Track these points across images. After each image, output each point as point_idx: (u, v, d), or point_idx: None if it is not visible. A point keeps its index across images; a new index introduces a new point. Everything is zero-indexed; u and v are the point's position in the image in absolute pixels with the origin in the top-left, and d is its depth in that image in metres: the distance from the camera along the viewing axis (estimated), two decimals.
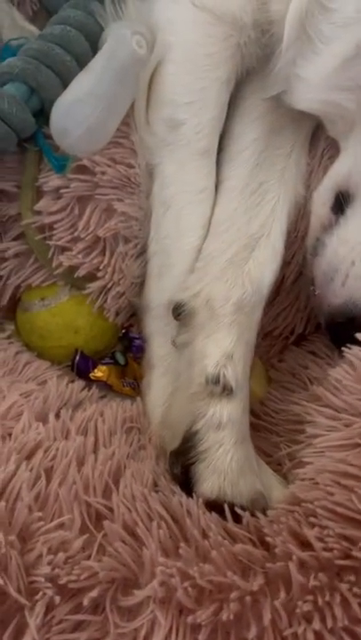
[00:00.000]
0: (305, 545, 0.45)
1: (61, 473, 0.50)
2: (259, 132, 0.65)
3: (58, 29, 0.64)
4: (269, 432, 0.60)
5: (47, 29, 0.66)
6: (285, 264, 0.65)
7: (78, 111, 0.60)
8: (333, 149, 0.65)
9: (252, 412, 0.61)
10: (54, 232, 0.63)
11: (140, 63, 0.63)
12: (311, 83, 0.58)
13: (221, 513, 0.50)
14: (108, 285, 0.64)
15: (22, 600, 0.44)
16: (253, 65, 0.64)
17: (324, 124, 0.63)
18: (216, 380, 0.54)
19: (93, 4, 0.68)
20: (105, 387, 0.66)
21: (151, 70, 0.64)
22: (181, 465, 0.54)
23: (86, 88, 0.62)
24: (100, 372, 0.66)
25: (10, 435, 0.54)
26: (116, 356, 0.68)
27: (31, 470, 0.49)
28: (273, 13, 0.59)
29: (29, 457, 0.51)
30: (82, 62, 0.64)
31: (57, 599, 0.43)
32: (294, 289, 0.68)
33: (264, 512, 0.51)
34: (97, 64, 0.63)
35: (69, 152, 0.62)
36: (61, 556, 0.44)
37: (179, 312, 0.60)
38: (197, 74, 0.62)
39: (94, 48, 0.65)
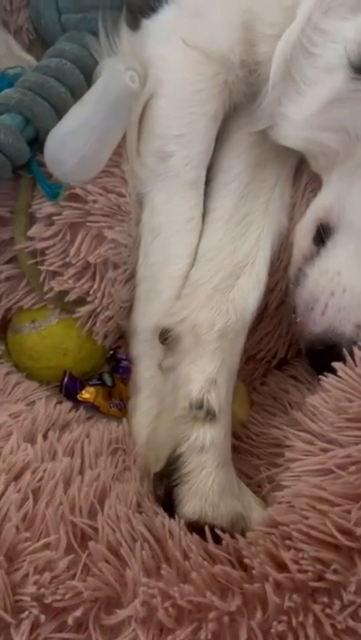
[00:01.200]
0: (281, 567, 0.47)
1: (48, 494, 0.52)
2: (244, 165, 0.68)
3: (54, 62, 0.67)
4: (250, 455, 0.62)
5: (43, 62, 0.68)
6: (269, 291, 0.68)
7: (72, 142, 0.63)
8: (316, 183, 0.68)
9: (234, 435, 0.63)
10: (46, 257, 0.65)
11: (133, 97, 0.66)
12: (295, 121, 0.61)
13: (202, 534, 0.52)
14: (98, 309, 0.66)
15: (8, 618, 0.45)
16: (241, 101, 0.67)
17: (307, 159, 0.66)
18: (200, 405, 0.57)
19: (88, 38, 0.70)
20: (92, 408, 0.67)
21: (143, 104, 0.67)
22: (165, 487, 0.56)
23: (80, 120, 0.64)
24: (87, 394, 0.67)
25: None
26: (104, 377, 0.70)
27: (19, 491, 0.51)
28: (260, 55, 0.62)
29: (17, 477, 0.53)
30: (76, 94, 0.67)
31: (42, 618, 0.45)
32: (277, 315, 0.70)
33: (243, 533, 0.53)
34: (91, 97, 0.65)
35: (63, 181, 0.64)
36: (47, 575, 0.46)
37: (165, 337, 0.62)
38: (187, 109, 0.65)
39: (88, 80, 0.68)
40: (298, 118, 0.61)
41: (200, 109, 0.65)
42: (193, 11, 0.65)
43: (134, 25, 0.70)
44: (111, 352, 0.72)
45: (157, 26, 0.68)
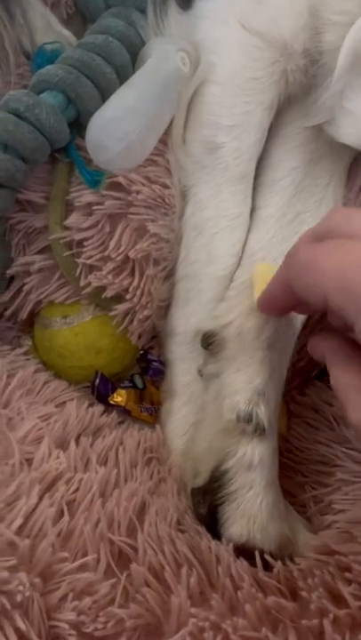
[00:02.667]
0: (339, 601, 0.44)
1: (85, 508, 0.48)
2: (298, 160, 0.63)
3: (100, 39, 0.62)
4: (293, 471, 0.59)
5: (88, 38, 0.63)
6: None
7: (118, 127, 0.58)
8: None
9: None
10: (83, 249, 0.60)
11: (183, 81, 0.61)
12: (357, 118, 0.57)
13: (249, 558, 0.48)
14: (136, 308, 0.61)
15: None
16: (296, 92, 0.63)
17: None
18: (248, 419, 0.53)
19: (135, 15, 0.66)
20: (123, 412, 0.63)
21: (193, 89, 0.62)
22: (209, 504, 0.52)
23: (127, 103, 0.59)
24: (119, 397, 0.63)
25: (28, 460, 0.51)
26: (135, 379, 0.66)
27: (53, 504, 0.47)
28: (326, 44, 0.58)
29: (50, 488, 0.49)
30: (122, 75, 0.62)
31: None
32: (321, 322, 0.66)
33: (291, 559, 0.49)
34: (139, 79, 0.61)
35: (105, 168, 0.59)
36: (87, 601, 0.42)
37: (209, 342, 0.58)
38: (241, 97, 0.60)
39: (134, 61, 0.63)
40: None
41: (255, 99, 0.60)
42: None
43: (185, 4, 0.65)
44: (142, 352, 0.68)
45: (213, 6, 0.63)
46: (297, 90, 0.63)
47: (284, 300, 0.49)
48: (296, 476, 0.58)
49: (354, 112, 0.57)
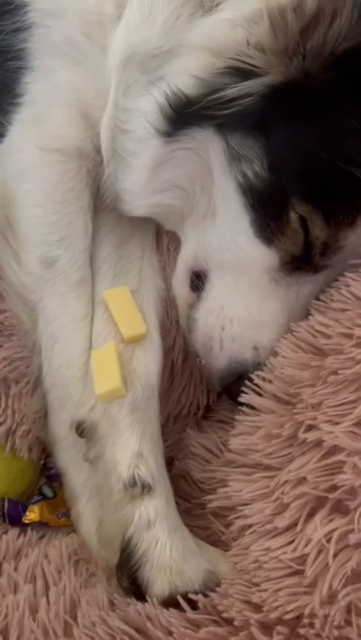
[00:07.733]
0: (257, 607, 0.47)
1: (17, 627, 0.50)
2: (111, 245, 0.70)
3: None
4: (200, 507, 0.62)
5: None
6: (170, 350, 0.70)
7: None
8: (176, 241, 0.72)
9: (180, 496, 0.63)
10: None
11: None
12: (134, 192, 0.65)
13: (178, 606, 0.51)
14: (13, 427, 0.65)
15: None
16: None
17: (160, 222, 0.71)
18: (133, 483, 0.56)
19: None
20: (41, 525, 0.66)
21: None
22: (127, 576, 0.54)
23: None
24: (32, 514, 0.65)
25: None
26: (44, 491, 0.69)
27: None
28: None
29: None
30: None
31: None
32: (186, 368, 0.72)
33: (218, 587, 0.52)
34: None
35: None
36: None
37: (81, 429, 0.62)
38: (63, 210, 0.67)
39: None
40: (134, 189, 0.64)
41: (75, 207, 0.67)
42: (34, 120, 0.68)
43: None
44: (42, 462, 0.71)
45: (9, 145, 0.69)
46: (99, 182, 0.69)
47: None
48: (203, 510, 0.61)
49: (128, 189, 0.66)
